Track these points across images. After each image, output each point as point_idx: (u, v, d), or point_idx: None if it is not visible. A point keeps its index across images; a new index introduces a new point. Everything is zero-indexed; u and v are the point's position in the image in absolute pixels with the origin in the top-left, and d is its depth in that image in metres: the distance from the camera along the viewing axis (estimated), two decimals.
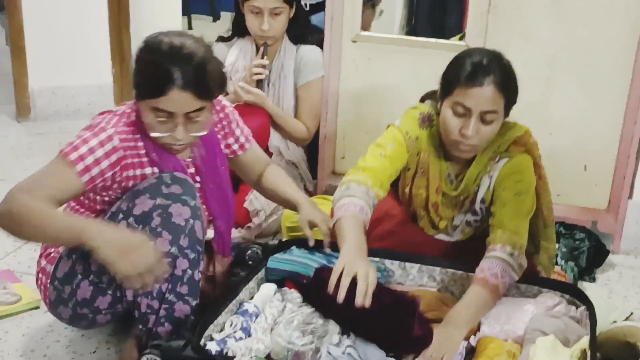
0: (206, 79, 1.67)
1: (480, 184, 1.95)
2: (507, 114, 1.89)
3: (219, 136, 1.97)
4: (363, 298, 1.58)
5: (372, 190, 1.86)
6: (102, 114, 1.78)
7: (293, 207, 2.03)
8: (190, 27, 5.92)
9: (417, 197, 2.01)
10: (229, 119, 2.00)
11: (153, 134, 1.71)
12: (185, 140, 1.72)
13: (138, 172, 1.75)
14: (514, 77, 1.88)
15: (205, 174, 1.89)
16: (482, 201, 1.96)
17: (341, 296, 1.58)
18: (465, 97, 1.81)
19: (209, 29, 5.82)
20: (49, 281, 1.79)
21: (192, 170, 1.87)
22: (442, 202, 2.00)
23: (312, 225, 1.93)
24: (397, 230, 2.05)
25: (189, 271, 1.71)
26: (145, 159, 1.76)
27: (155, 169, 1.77)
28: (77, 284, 1.73)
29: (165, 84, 1.63)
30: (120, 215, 1.69)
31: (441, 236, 2.08)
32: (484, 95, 1.80)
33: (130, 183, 1.75)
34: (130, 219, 1.67)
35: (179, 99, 1.65)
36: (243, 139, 2.04)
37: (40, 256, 1.85)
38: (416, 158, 1.97)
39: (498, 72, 1.82)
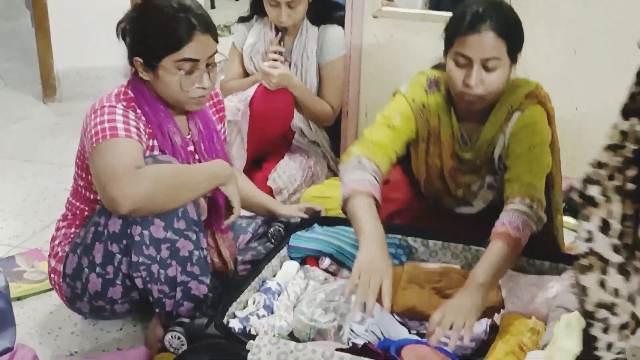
0: (213, 23, 1.78)
1: (497, 144, 1.92)
2: (513, 59, 1.86)
3: (214, 118, 1.99)
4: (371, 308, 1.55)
5: (381, 167, 1.82)
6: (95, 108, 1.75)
7: (268, 210, 2.13)
8: (213, 7, 5.91)
9: (432, 167, 2.00)
10: (223, 109, 2.05)
11: (183, 92, 1.74)
12: (210, 87, 1.78)
13: (150, 142, 1.77)
14: (514, 21, 1.87)
15: (203, 151, 1.88)
16: (500, 158, 1.93)
17: (357, 311, 1.56)
18: (464, 47, 1.80)
19: (231, 8, 5.81)
20: (61, 280, 1.80)
21: (191, 148, 1.86)
22: (459, 168, 1.98)
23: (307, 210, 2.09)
24: (415, 221, 2.06)
25: (196, 252, 1.70)
26: (148, 136, 1.77)
27: (155, 143, 1.77)
28: (86, 278, 1.73)
29: (189, 30, 1.71)
30: None
31: (463, 209, 2.06)
32: (482, 42, 1.79)
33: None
34: None
35: (203, 42, 1.72)
36: (226, 133, 2.10)
37: (49, 256, 1.87)
38: (426, 125, 1.95)
39: (495, 17, 1.80)
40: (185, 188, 1.64)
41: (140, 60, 1.73)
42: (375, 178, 1.76)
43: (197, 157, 1.87)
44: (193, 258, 1.70)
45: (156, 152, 1.76)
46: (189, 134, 1.87)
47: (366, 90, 2.76)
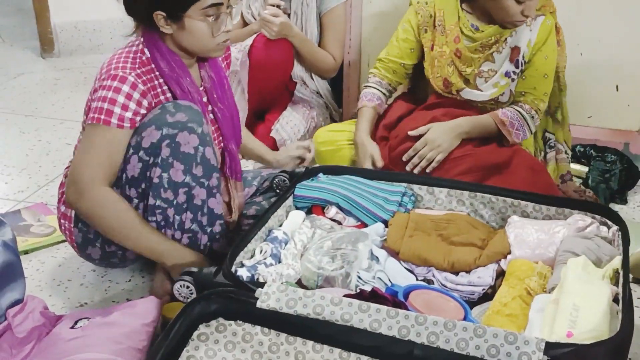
0: None
1: (519, 34, 2.13)
2: None
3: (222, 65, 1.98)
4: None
5: (384, 80, 2.30)
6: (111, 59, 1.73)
7: (265, 161, 2.17)
8: None
9: (442, 56, 2.18)
10: (229, 57, 2.04)
11: (212, 39, 1.73)
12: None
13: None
14: None
15: (216, 98, 1.87)
16: (523, 56, 2.14)
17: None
18: None
19: None
20: (72, 225, 1.80)
21: (204, 98, 1.85)
22: (467, 48, 2.16)
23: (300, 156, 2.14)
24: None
25: (209, 200, 1.71)
26: (169, 94, 1.75)
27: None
28: None
29: None
30: (131, 151, 1.67)
31: (470, 94, 2.20)
32: None
33: None
34: (141, 153, 1.66)
35: None
36: (229, 81, 2.07)
37: (59, 202, 1.86)
38: (430, 20, 2.19)
39: None
40: (125, 239, 1.70)
41: (163, 13, 1.69)
42: (377, 89, 2.29)
43: (210, 107, 1.86)
44: (204, 207, 1.71)
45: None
46: (201, 85, 1.86)
47: (368, 39, 2.73)
